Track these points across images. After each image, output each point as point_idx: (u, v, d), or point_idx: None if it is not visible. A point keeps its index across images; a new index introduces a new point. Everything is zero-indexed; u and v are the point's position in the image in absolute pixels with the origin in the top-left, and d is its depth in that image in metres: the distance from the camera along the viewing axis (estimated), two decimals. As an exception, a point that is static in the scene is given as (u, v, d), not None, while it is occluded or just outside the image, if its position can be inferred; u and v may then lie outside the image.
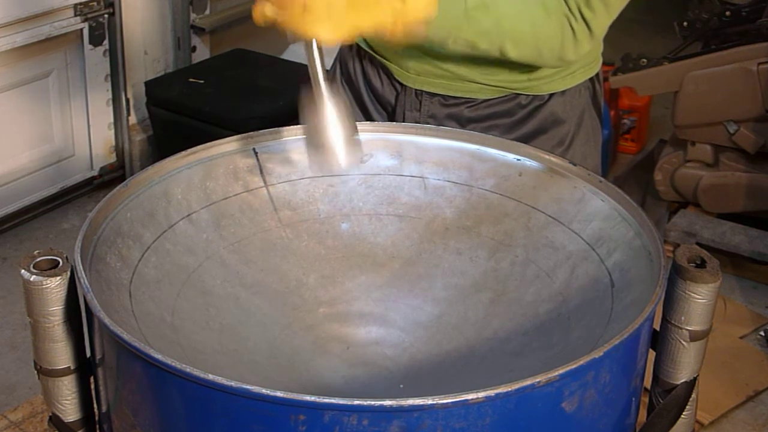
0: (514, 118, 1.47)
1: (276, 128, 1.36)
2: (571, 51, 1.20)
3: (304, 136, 1.16)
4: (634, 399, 1.11)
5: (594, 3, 1.17)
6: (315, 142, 1.13)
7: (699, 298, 1.10)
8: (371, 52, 1.50)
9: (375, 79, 1.51)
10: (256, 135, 1.35)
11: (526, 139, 1.44)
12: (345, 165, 1.12)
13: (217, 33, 3.59)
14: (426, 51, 1.41)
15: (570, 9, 1.17)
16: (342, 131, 1.11)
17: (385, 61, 1.48)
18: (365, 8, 1.03)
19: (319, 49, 1.08)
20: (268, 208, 1.34)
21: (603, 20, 1.20)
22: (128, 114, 3.35)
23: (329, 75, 1.64)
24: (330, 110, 1.10)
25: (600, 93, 1.48)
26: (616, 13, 1.21)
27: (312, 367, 1.20)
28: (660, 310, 1.12)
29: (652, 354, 1.16)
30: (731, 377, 2.55)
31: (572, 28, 1.18)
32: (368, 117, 1.54)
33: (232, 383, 0.90)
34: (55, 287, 1.06)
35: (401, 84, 1.48)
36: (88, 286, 1.03)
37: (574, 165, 1.28)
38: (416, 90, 1.47)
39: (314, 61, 1.09)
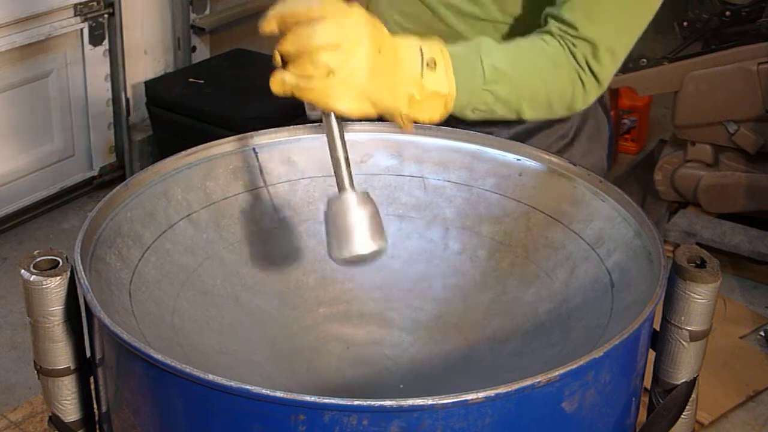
0: None
1: (276, 128, 1.36)
2: (580, 102, 1.21)
3: (324, 221, 1.05)
4: (634, 399, 1.11)
5: (601, 55, 1.18)
6: (336, 225, 1.03)
7: (699, 298, 1.10)
8: None
9: None
10: (256, 135, 1.35)
11: (529, 132, 1.44)
12: (365, 252, 1.02)
13: (217, 33, 3.59)
14: None
15: (578, 63, 1.18)
16: (365, 216, 1.02)
17: None
18: (387, 81, 1.00)
19: (340, 126, 1.02)
20: (268, 208, 1.34)
21: (610, 70, 1.20)
22: (128, 114, 3.35)
23: None
24: (352, 196, 1.02)
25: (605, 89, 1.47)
26: (621, 61, 1.22)
27: (312, 367, 1.20)
28: (660, 310, 1.12)
29: (652, 354, 1.16)
30: (731, 377, 2.55)
31: (582, 81, 1.19)
32: None
33: (232, 383, 0.90)
34: (55, 287, 1.06)
35: None
36: (88, 286, 1.03)
37: (574, 165, 1.28)
38: None
39: (335, 139, 1.02)
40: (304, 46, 0.96)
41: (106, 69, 3.23)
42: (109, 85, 3.26)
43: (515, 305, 1.26)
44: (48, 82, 3.10)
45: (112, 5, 3.15)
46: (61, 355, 1.10)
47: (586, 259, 1.24)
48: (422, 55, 1.05)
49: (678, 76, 3.06)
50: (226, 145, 1.33)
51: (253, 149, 1.34)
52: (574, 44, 1.18)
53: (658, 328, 1.15)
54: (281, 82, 0.98)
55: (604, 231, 1.24)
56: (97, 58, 3.19)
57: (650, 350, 1.15)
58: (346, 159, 1.02)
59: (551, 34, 1.18)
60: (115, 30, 3.18)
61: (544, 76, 1.17)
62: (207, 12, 3.53)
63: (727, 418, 2.47)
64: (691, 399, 1.16)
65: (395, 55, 1.02)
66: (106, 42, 3.19)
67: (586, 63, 1.18)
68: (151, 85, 3.31)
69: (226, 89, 3.27)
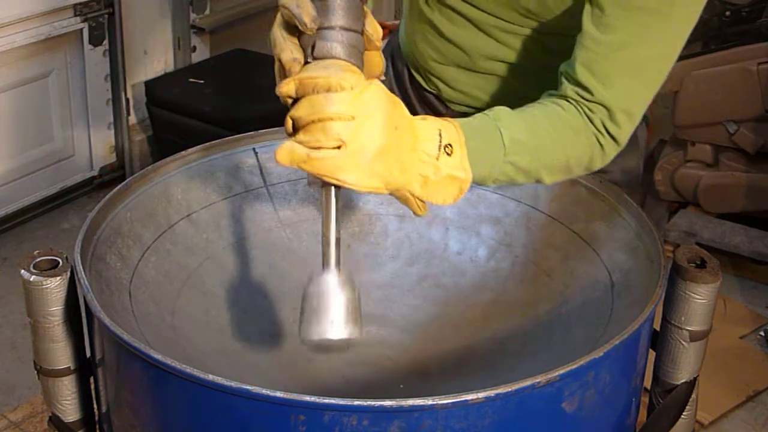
0: None
1: (276, 128, 1.36)
2: (598, 163, 1.19)
3: (302, 300, 0.98)
4: (634, 399, 1.11)
5: (618, 117, 1.15)
6: (312, 305, 0.96)
7: (699, 299, 1.10)
8: (418, 76, 1.49)
9: (422, 91, 1.50)
10: (256, 135, 1.35)
11: None
12: (335, 337, 0.95)
13: (217, 33, 3.59)
14: (469, 89, 1.40)
15: (596, 127, 1.15)
16: (344, 301, 0.96)
17: (430, 89, 1.47)
18: (400, 159, 0.97)
19: (338, 203, 0.97)
20: (268, 208, 1.34)
21: (628, 130, 1.18)
22: (128, 114, 3.34)
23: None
24: (335, 277, 0.97)
25: None
26: (640, 117, 1.19)
27: (312, 367, 1.20)
28: (660, 310, 1.12)
29: (652, 354, 1.16)
30: (731, 377, 2.55)
31: (600, 144, 1.17)
32: (413, 111, 1.51)
33: (232, 383, 0.90)
34: (55, 287, 1.06)
35: (446, 105, 1.47)
36: (88, 286, 1.03)
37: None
38: (459, 112, 1.45)
39: (330, 215, 0.97)
40: (317, 114, 0.92)
41: (106, 69, 3.23)
42: (109, 85, 3.25)
43: (515, 305, 1.26)
44: (48, 82, 3.10)
45: (112, 5, 3.15)
46: (61, 355, 1.10)
47: (586, 259, 1.24)
48: (440, 138, 1.01)
49: (678, 76, 3.06)
50: (226, 145, 1.33)
51: (253, 149, 1.34)
52: (590, 109, 1.15)
53: (658, 328, 1.15)
54: (289, 152, 0.93)
55: (604, 231, 1.24)
56: (97, 58, 3.18)
57: (650, 350, 1.15)
58: (338, 239, 0.97)
59: (567, 99, 1.16)
60: (115, 30, 3.18)
61: (563, 143, 1.15)
62: (207, 12, 3.52)
63: (727, 418, 2.47)
64: (691, 399, 1.16)
65: (412, 134, 0.99)
66: (106, 42, 3.18)
67: (604, 127, 1.15)
68: (151, 85, 3.30)
69: (226, 89, 3.27)
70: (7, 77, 2.96)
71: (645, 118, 1.48)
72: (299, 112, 0.94)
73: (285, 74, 0.96)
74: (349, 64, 0.95)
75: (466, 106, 1.43)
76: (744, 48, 2.99)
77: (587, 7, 1.14)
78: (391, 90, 1.52)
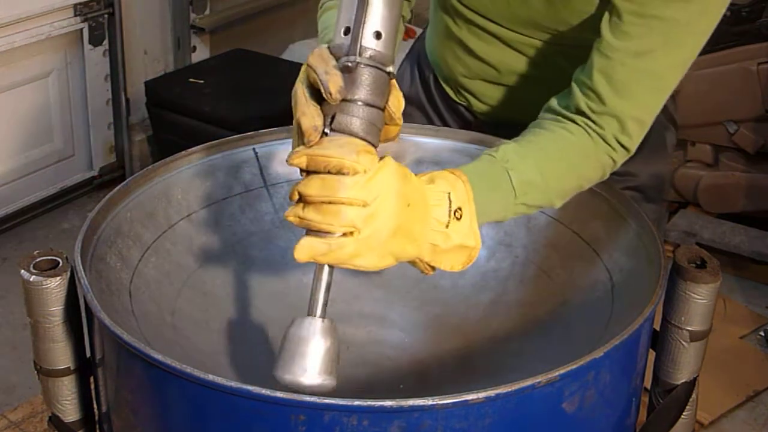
0: None
1: (276, 128, 1.36)
2: (608, 173, 1.19)
3: (283, 339, 0.97)
4: (634, 399, 1.11)
5: (629, 127, 1.15)
6: (290, 346, 0.95)
7: (699, 299, 1.10)
8: (447, 87, 1.48)
9: (451, 101, 1.50)
10: (256, 135, 1.35)
11: None
12: (308, 383, 0.94)
13: (217, 33, 3.59)
14: (497, 102, 1.40)
15: (609, 143, 1.15)
16: (323, 348, 0.95)
17: (460, 101, 1.47)
18: (411, 234, 0.97)
19: (330, 276, 0.96)
20: (268, 208, 1.34)
21: (638, 138, 1.18)
22: (128, 114, 3.34)
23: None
24: (318, 324, 0.95)
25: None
26: (649, 126, 1.19)
27: (312, 368, 1.19)
28: (660, 310, 1.12)
29: (652, 354, 1.16)
30: (731, 377, 2.55)
31: (612, 159, 1.17)
32: (441, 118, 1.51)
33: (232, 384, 0.90)
34: (54, 287, 1.06)
35: (475, 115, 1.47)
36: (88, 286, 1.03)
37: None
38: (489, 122, 1.45)
39: (321, 285, 0.97)
40: (329, 197, 0.92)
41: (106, 69, 3.23)
42: (109, 85, 3.25)
43: (515, 305, 1.26)
44: (48, 82, 3.10)
45: (112, 5, 3.15)
46: (61, 356, 1.10)
47: (586, 259, 1.24)
48: (450, 202, 1.01)
49: (678, 76, 3.06)
50: (226, 145, 1.33)
51: (253, 149, 1.34)
52: (600, 125, 1.15)
53: (658, 328, 1.15)
54: (309, 248, 0.93)
55: (604, 231, 1.24)
56: (97, 58, 3.18)
57: (650, 350, 1.15)
58: (328, 284, 0.97)
59: (575, 120, 1.16)
60: (115, 30, 3.18)
61: (574, 170, 1.14)
62: (207, 12, 3.52)
63: (727, 418, 2.47)
64: (691, 399, 1.16)
65: (424, 205, 0.99)
66: (106, 42, 3.18)
67: (616, 140, 1.15)
68: (151, 85, 3.30)
69: (226, 89, 3.27)
70: (7, 77, 2.96)
71: (673, 122, 1.47)
72: (310, 190, 0.93)
73: (302, 138, 0.95)
74: (364, 143, 0.94)
75: (495, 116, 1.43)
76: (744, 48, 2.99)
77: (606, 16, 1.14)
78: (418, 98, 1.53)
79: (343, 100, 0.94)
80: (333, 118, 0.94)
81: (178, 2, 3.39)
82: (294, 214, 0.95)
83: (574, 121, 1.16)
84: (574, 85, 1.17)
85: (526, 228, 1.30)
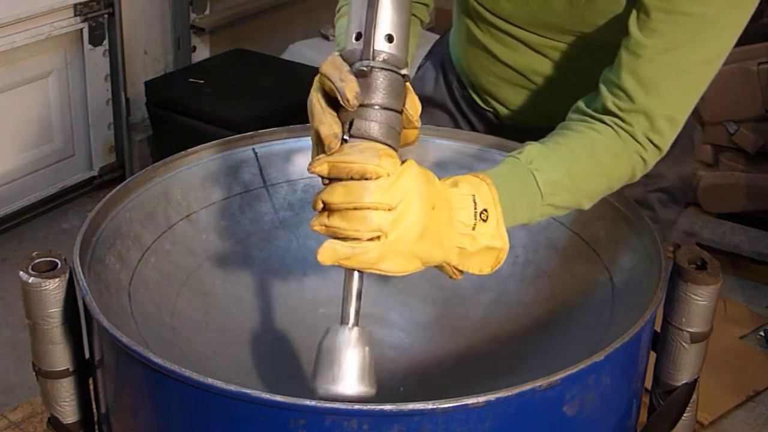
0: None
1: (276, 128, 1.36)
2: (639, 174, 1.18)
3: (317, 349, 0.97)
4: (634, 401, 1.11)
5: (659, 125, 1.14)
6: (328, 358, 0.95)
7: (699, 300, 1.10)
8: (473, 93, 1.48)
9: (477, 106, 1.49)
10: (255, 135, 1.35)
11: None
12: (349, 393, 0.94)
13: (217, 33, 3.59)
14: (523, 106, 1.40)
15: (639, 142, 1.14)
16: (359, 357, 0.95)
17: (486, 108, 1.47)
18: (437, 237, 0.96)
19: (361, 283, 0.96)
20: (268, 208, 1.34)
21: (670, 136, 1.17)
22: (128, 114, 3.34)
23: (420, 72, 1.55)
24: (354, 333, 0.95)
25: None
26: (681, 125, 1.18)
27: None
28: (660, 311, 1.12)
29: (652, 355, 1.15)
30: (731, 377, 2.55)
31: (643, 159, 1.16)
32: (467, 121, 1.51)
33: (232, 387, 0.90)
34: (53, 289, 1.06)
35: (500, 120, 1.46)
36: (87, 288, 1.03)
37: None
38: (515, 126, 1.44)
39: (351, 293, 0.96)
40: (355, 204, 0.91)
41: (106, 69, 3.22)
42: (109, 85, 3.25)
43: (515, 306, 1.25)
44: (48, 82, 3.10)
45: (112, 5, 3.15)
46: (60, 357, 1.10)
47: (586, 259, 1.24)
48: (475, 204, 1.00)
49: (678, 76, 3.06)
50: (226, 145, 1.33)
51: (253, 149, 1.34)
52: (629, 123, 1.14)
53: (658, 330, 1.15)
54: (332, 252, 0.92)
55: (605, 231, 1.24)
56: (97, 58, 3.18)
57: (651, 351, 1.15)
58: (359, 292, 0.96)
59: (603, 120, 1.15)
60: (115, 30, 3.18)
61: (603, 171, 1.13)
62: (207, 12, 3.52)
63: (727, 418, 2.47)
64: (691, 400, 1.16)
65: (449, 208, 0.98)
66: (106, 42, 3.18)
67: (647, 138, 1.14)
68: (151, 85, 3.30)
69: (226, 89, 3.27)
70: (7, 77, 2.95)
71: (700, 122, 1.47)
72: (334, 197, 0.92)
73: (322, 147, 0.94)
74: (385, 147, 0.94)
75: (522, 121, 1.42)
76: (744, 48, 2.99)
77: (633, 13, 1.14)
78: (443, 100, 1.52)
79: (360, 105, 0.94)
80: (351, 124, 0.94)
81: (178, 2, 3.39)
82: (320, 223, 0.94)
83: (602, 121, 1.15)
84: (601, 86, 1.16)
85: (526, 228, 1.30)
